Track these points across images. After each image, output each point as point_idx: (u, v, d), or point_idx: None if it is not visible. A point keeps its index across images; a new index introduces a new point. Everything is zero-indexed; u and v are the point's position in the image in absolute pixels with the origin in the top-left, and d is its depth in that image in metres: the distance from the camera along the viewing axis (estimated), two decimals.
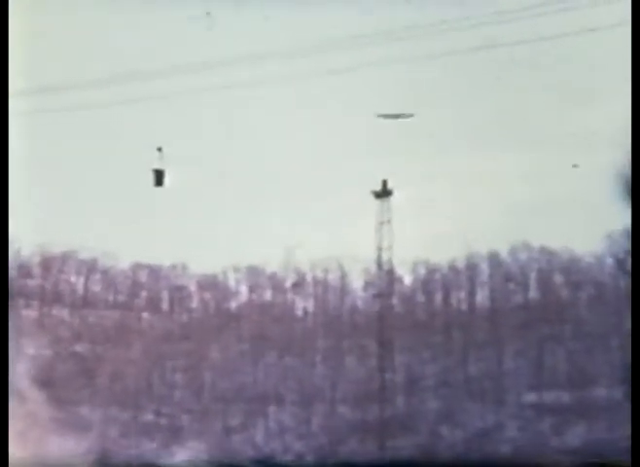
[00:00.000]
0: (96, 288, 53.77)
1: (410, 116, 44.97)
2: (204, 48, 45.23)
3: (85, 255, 53.35)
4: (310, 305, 52.15)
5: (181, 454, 47.23)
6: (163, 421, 49.33)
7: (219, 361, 49.81)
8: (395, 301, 49.85)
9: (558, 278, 50.09)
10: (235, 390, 48.86)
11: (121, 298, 53.28)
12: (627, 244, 51.82)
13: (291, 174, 49.21)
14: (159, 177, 32.37)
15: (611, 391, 43.67)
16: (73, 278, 53.63)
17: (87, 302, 52.77)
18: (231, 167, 50.51)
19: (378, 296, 49.38)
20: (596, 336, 46.06)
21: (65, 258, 53.56)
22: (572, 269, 49.57)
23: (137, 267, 53.61)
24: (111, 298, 53.44)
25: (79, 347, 50.85)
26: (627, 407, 42.62)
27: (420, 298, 50.91)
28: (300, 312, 52.22)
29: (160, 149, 32.13)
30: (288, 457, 45.54)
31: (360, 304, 51.50)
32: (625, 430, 42.21)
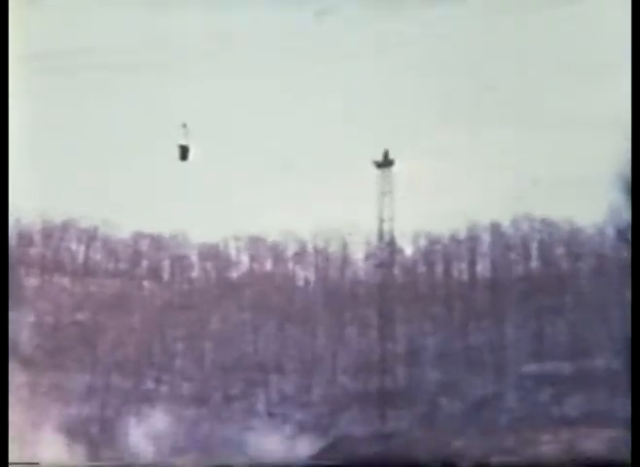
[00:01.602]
0: (97, 257, 53.67)
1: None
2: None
3: (85, 224, 53.18)
4: (311, 276, 52.08)
5: (180, 422, 47.45)
6: (164, 389, 49.49)
7: (219, 330, 49.87)
8: (396, 271, 49.69)
9: (559, 249, 50.06)
10: (236, 359, 48.97)
11: (122, 266, 53.21)
12: (628, 215, 51.74)
13: (294, 147, 48.98)
14: (184, 152, 33.82)
15: (609, 362, 43.77)
16: (74, 247, 53.53)
17: (87, 270, 52.70)
18: (236, 140, 50.22)
19: (379, 266, 49.09)
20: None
21: (66, 226, 53.36)
22: (573, 240, 49.50)
23: (138, 236, 53.46)
24: (112, 266, 53.35)
25: (80, 316, 50.84)
26: (625, 377, 42.88)
27: (421, 269, 50.83)
28: (301, 282, 52.15)
29: (184, 125, 33.10)
30: (288, 427, 45.70)
31: (361, 274, 51.39)
32: (623, 400, 42.57)
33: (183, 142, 34.03)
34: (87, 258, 53.29)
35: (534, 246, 49.64)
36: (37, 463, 36.25)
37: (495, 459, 34.66)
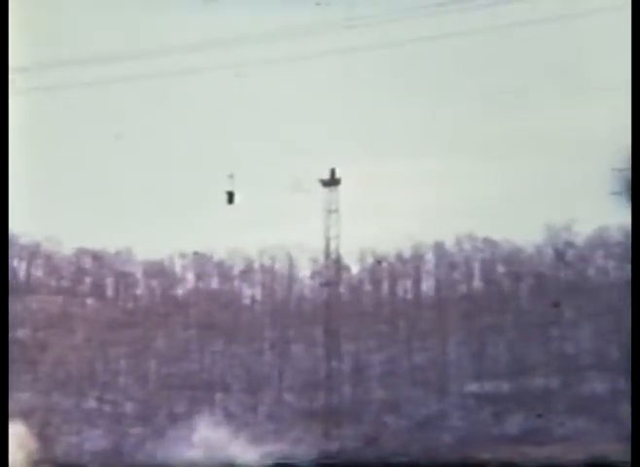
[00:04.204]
0: (39, 273, 52.83)
1: None
2: None
3: (26, 240, 52.29)
4: (258, 293, 52.12)
5: (125, 442, 46.95)
6: (106, 408, 48.86)
7: (164, 348, 49.52)
8: (342, 289, 50.16)
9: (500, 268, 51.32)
10: (181, 378, 48.67)
11: (64, 283, 52.45)
12: (567, 235, 53.52)
13: (242, 164, 49.10)
14: (230, 197, 37.66)
15: (548, 380, 44.98)
16: (15, 263, 52.53)
17: (29, 287, 51.80)
18: (178, 155, 50.15)
19: (326, 284, 49.50)
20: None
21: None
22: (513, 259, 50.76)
23: (81, 252, 52.79)
24: (54, 283, 52.56)
25: (21, 333, 49.89)
26: (565, 395, 44.28)
27: (367, 287, 51.39)
28: (247, 300, 52.15)
29: (231, 175, 36.87)
30: (235, 445, 45.62)
31: (307, 292, 51.68)
32: (559, 418, 43.94)
33: (229, 188, 37.69)
34: (28, 274, 52.37)
35: (476, 265, 50.78)
36: None
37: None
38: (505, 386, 45.40)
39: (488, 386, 45.47)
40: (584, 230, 50.01)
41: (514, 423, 43.53)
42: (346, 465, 37.99)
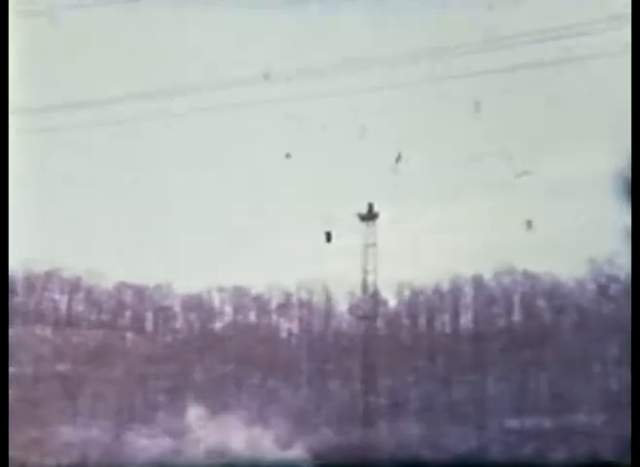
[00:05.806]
0: (80, 307, 53.55)
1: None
2: None
3: (68, 274, 53.15)
4: (295, 327, 52.19)
5: None
6: (144, 442, 48.97)
7: (203, 382, 49.64)
8: (380, 323, 49.98)
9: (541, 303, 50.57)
10: (219, 411, 48.65)
11: (104, 317, 53.08)
12: (609, 270, 52.68)
13: (279, 198, 49.53)
14: (328, 237, 40.80)
15: (591, 417, 43.97)
16: (57, 297, 53.40)
17: (70, 321, 52.52)
18: (219, 190, 50.80)
19: (363, 318, 49.44)
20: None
21: (49, 276, 53.29)
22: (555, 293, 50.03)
23: (122, 286, 53.47)
24: (94, 317, 53.22)
25: (61, 367, 50.49)
26: (606, 432, 43.16)
27: (405, 321, 51.13)
28: (284, 334, 52.23)
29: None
30: None
31: (345, 326, 51.59)
32: (604, 455, 42.82)
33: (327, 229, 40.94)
34: (69, 308, 53.14)
35: (516, 299, 50.18)
36: None
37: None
38: (546, 423, 44.53)
39: (529, 422, 44.69)
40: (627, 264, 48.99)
41: (555, 461, 42.56)
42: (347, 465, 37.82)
